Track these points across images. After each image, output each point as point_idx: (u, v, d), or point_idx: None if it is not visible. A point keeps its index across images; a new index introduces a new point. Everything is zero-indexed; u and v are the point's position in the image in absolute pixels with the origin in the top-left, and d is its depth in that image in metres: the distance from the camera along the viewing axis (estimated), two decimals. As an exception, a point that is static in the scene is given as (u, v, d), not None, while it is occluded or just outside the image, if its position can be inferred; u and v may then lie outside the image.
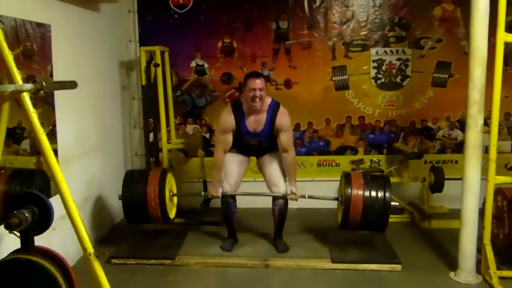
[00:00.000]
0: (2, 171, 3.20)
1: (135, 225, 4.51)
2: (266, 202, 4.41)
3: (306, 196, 4.28)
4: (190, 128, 5.76)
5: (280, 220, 4.32)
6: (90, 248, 2.53)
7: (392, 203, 4.09)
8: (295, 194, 4.21)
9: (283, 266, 4.09)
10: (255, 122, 4.08)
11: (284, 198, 4.22)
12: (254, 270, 4.06)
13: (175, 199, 4.55)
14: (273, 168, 4.27)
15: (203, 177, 5.46)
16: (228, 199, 4.29)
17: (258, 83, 3.90)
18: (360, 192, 4.05)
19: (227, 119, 4.10)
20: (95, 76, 4.73)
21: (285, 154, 4.16)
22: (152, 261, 4.15)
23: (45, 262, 2.60)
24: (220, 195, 4.22)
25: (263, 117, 4.07)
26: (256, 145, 4.21)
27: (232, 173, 4.27)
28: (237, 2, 5.57)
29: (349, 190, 4.05)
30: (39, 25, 3.64)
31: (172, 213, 4.43)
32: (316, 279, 3.93)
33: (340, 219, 4.16)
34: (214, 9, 5.57)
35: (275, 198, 4.26)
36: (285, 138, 4.11)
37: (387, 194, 4.05)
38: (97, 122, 4.80)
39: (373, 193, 4.05)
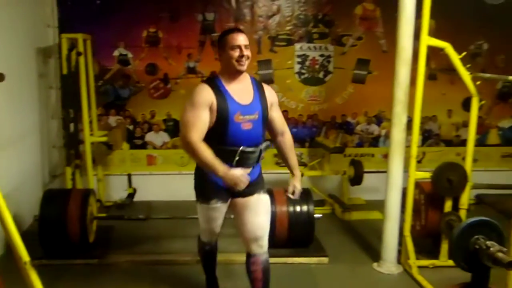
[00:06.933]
0: None
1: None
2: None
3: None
4: (112, 120, 5.57)
5: (265, 284, 3.21)
6: (26, 257, 2.35)
7: (315, 215, 4.23)
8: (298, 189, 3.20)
9: (215, 262, 4.07)
10: (242, 91, 2.94)
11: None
12: (186, 266, 4.03)
13: (94, 222, 4.34)
14: (260, 217, 3.09)
15: (127, 171, 5.31)
16: (212, 248, 3.51)
17: (242, 39, 2.90)
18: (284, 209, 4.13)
19: (202, 92, 2.87)
20: (8, 63, 4.37)
21: (281, 138, 3.23)
22: (79, 260, 3.99)
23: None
24: (243, 172, 2.81)
25: (248, 84, 3.00)
26: (250, 132, 2.94)
27: (214, 230, 3.31)
28: (163, -10, 5.43)
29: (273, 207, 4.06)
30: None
31: (91, 237, 4.23)
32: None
33: None
34: (139, -3, 5.40)
35: (253, 255, 3.16)
36: (279, 114, 3.22)
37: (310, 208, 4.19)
38: (12, 112, 4.49)
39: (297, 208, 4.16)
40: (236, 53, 2.85)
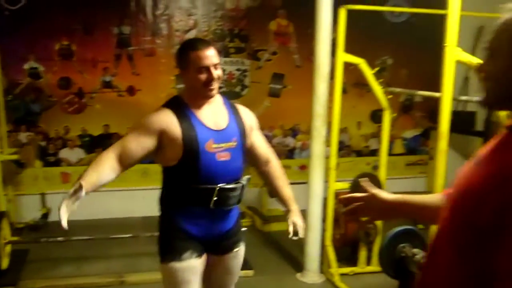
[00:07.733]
0: None
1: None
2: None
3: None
4: (23, 136, 5.28)
5: None
6: None
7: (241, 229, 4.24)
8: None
9: (140, 281, 3.99)
10: (213, 113, 2.32)
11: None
12: (109, 288, 3.91)
13: (8, 247, 4.07)
14: (229, 276, 2.57)
15: (41, 189, 5.06)
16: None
17: (211, 56, 2.21)
18: None
19: (157, 116, 2.26)
20: None
21: (265, 168, 2.58)
22: (-10, 290, 3.74)
23: None
24: (64, 211, 2.07)
25: (220, 105, 2.38)
26: (228, 164, 2.30)
27: None
28: (75, 2, 5.25)
29: None
30: None
31: (4, 263, 3.96)
32: (173, 290, 3.91)
33: None
34: (51, 8, 5.17)
35: None
36: (262, 139, 2.64)
37: None
38: None
39: None
40: (203, 77, 2.21)
